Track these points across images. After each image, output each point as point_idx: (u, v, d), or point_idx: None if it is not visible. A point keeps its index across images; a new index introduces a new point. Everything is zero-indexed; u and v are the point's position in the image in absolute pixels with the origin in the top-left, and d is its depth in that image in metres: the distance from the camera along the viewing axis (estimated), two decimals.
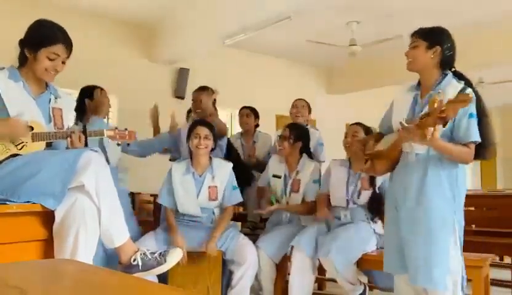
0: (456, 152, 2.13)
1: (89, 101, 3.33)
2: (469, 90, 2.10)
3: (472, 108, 2.12)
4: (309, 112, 4.05)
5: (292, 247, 2.97)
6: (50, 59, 2.02)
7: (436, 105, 1.93)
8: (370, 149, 2.40)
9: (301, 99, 4.07)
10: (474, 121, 2.12)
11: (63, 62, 2.07)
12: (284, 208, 3.30)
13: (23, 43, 2.05)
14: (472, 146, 2.13)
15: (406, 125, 2.05)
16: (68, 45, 2.07)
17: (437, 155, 2.19)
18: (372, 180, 3.03)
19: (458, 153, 2.13)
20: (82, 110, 3.34)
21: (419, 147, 2.20)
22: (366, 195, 3.05)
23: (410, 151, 2.24)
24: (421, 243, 2.15)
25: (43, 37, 2.02)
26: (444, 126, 1.98)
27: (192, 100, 3.66)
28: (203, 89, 3.64)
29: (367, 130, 3.13)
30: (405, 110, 2.28)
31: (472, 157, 2.17)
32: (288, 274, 3.02)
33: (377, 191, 3.04)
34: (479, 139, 2.11)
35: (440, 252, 2.13)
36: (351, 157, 2.71)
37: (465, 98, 1.91)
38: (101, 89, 3.40)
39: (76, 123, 3.28)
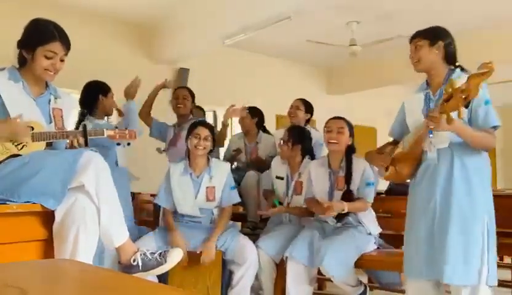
0: (479, 137, 2.09)
1: (104, 98, 3.35)
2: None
3: (486, 95, 2.10)
4: (308, 111, 3.99)
5: (286, 257, 2.87)
6: (48, 58, 1.98)
7: (456, 86, 1.90)
8: (389, 154, 2.34)
9: (298, 99, 4.01)
10: (490, 107, 2.10)
11: (62, 60, 2.03)
12: (285, 211, 3.27)
13: (20, 44, 2.03)
14: (493, 131, 2.12)
15: (431, 113, 2.00)
16: (65, 42, 2.02)
17: (460, 147, 2.14)
18: (347, 180, 2.94)
19: (482, 137, 2.09)
20: (92, 106, 3.35)
21: (439, 142, 2.17)
22: (338, 195, 2.93)
23: (430, 148, 2.20)
24: (456, 238, 2.09)
25: (38, 35, 1.99)
26: (466, 107, 1.95)
27: (175, 97, 3.70)
28: (185, 87, 3.87)
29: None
30: (419, 108, 2.26)
31: (495, 141, 2.13)
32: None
33: (353, 192, 2.91)
34: (499, 124, 2.09)
35: (473, 246, 2.10)
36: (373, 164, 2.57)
37: (486, 67, 1.88)
38: (110, 90, 3.44)
39: (81, 118, 3.30)
